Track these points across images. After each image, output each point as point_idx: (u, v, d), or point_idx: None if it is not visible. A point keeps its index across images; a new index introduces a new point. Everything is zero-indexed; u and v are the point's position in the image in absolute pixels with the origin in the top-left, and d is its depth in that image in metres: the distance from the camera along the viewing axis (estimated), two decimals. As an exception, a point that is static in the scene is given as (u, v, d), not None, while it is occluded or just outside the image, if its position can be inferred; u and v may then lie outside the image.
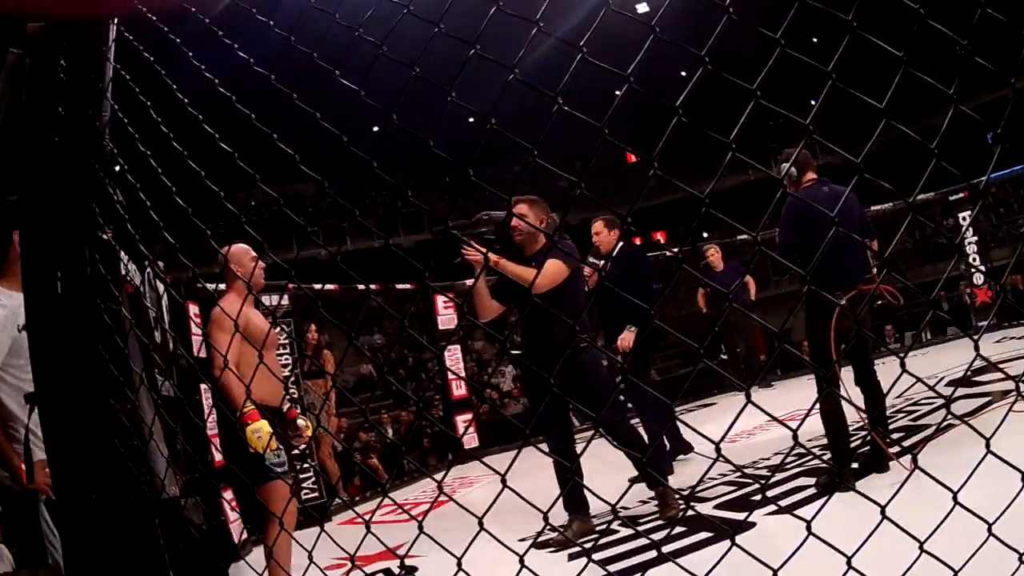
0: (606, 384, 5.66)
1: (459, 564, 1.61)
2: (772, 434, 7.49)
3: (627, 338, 6.59)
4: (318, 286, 10.13)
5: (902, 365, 1.66)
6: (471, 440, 11.42)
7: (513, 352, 6.60)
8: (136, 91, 2.39)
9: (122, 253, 4.87)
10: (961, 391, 7.15)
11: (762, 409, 1.62)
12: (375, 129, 23.20)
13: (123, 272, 4.86)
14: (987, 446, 1.68)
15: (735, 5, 1.54)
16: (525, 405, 13.19)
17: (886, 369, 4.11)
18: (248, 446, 4.50)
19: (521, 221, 5.46)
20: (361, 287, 11.32)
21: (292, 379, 8.79)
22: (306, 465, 8.22)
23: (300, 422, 4.92)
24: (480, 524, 1.73)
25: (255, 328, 4.79)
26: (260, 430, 4.48)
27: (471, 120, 28.60)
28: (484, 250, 5.13)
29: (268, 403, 4.65)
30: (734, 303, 1.76)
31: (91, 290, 2.31)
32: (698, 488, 5.92)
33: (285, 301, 8.67)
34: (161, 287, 6.35)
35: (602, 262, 7.21)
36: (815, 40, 18.73)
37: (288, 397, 4.95)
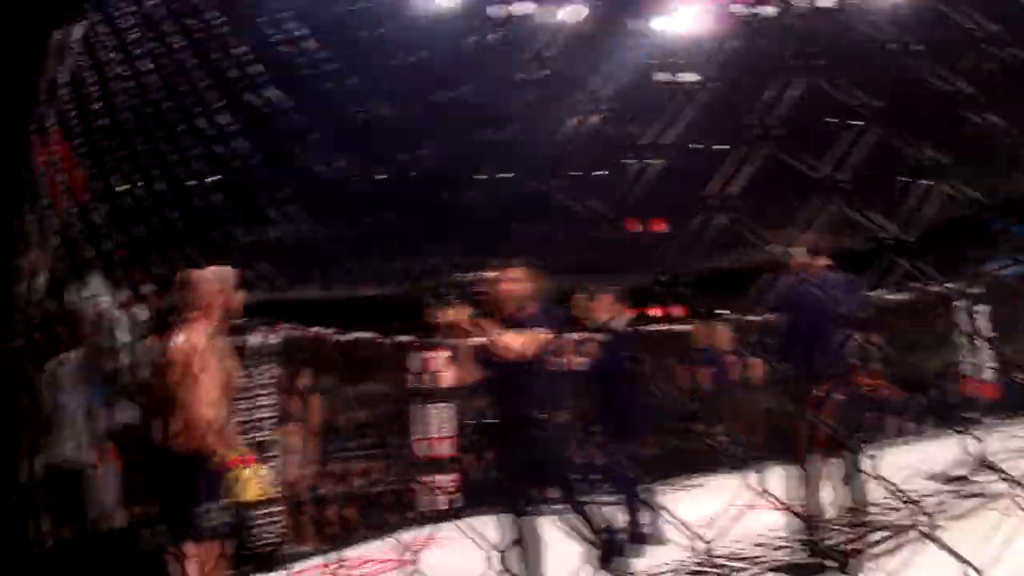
0: (567, 463, 5.58)
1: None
2: (752, 521, 7.32)
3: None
4: (314, 329, 10.07)
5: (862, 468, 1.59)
6: (444, 500, 11.20)
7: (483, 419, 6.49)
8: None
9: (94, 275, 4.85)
10: (952, 488, 6.94)
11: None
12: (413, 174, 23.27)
13: (86, 294, 4.84)
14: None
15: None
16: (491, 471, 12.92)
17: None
18: (215, 492, 4.33)
19: (509, 286, 5.42)
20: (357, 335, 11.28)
21: (273, 421, 8.69)
22: (270, 509, 8.07)
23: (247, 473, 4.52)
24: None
25: (230, 367, 4.57)
26: (249, 477, 4.27)
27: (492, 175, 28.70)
28: (468, 310, 5.13)
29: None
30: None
31: None
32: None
33: (273, 340, 8.57)
34: (138, 311, 6.22)
35: (600, 335, 7.17)
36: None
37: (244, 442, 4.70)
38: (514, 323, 5.49)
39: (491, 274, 5.49)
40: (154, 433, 6.03)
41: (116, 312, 5.49)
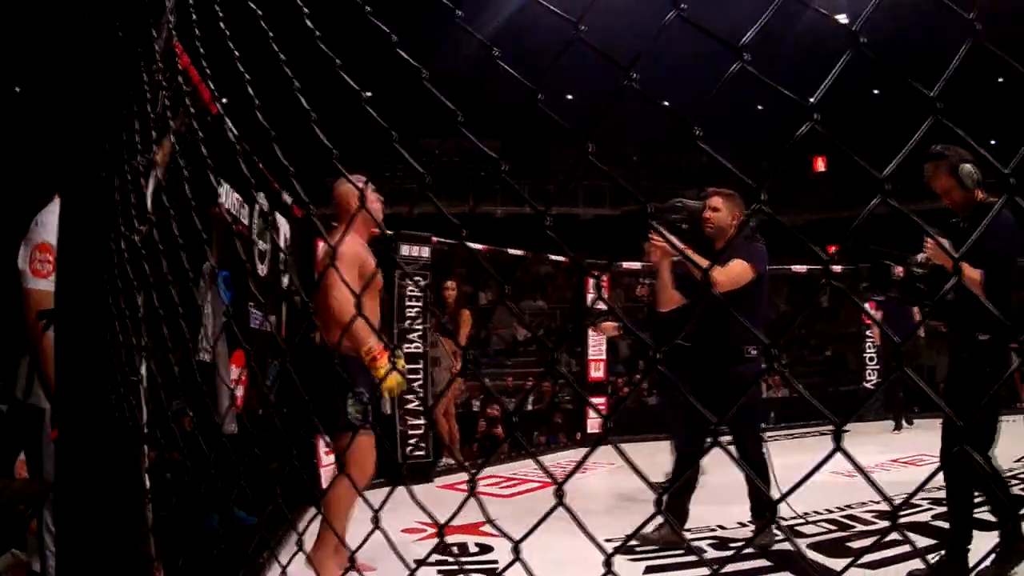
0: (753, 404, 5.54)
1: (515, 549, 1.40)
2: (893, 475, 7.10)
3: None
4: (475, 245, 10.06)
5: None
6: (597, 424, 11.16)
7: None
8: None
9: (224, 184, 4.91)
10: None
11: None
12: (568, 97, 23.09)
13: (221, 202, 4.91)
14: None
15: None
16: (658, 400, 12.73)
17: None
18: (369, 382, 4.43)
19: (714, 214, 5.31)
20: (516, 252, 11.25)
21: (423, 332, 8.76)
22: (416, 422, 8.18)
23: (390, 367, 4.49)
24: (560, 499, 1.50)
25: (371, 269, 4.60)
26: (388, 371, 4.36)
27: (664, 103, 28.07)
28: (673, 237, 5.05)
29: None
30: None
31: (113, 216, 2.24)
32: (797, 523, 5.70)
33: (425, 253, 8.62)
34: (282, 220, 6.30)
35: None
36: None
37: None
38: (720, 254, 5.29)
39: (693, 202, 5.40)
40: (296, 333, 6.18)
41: (251, 219, 5.60)
